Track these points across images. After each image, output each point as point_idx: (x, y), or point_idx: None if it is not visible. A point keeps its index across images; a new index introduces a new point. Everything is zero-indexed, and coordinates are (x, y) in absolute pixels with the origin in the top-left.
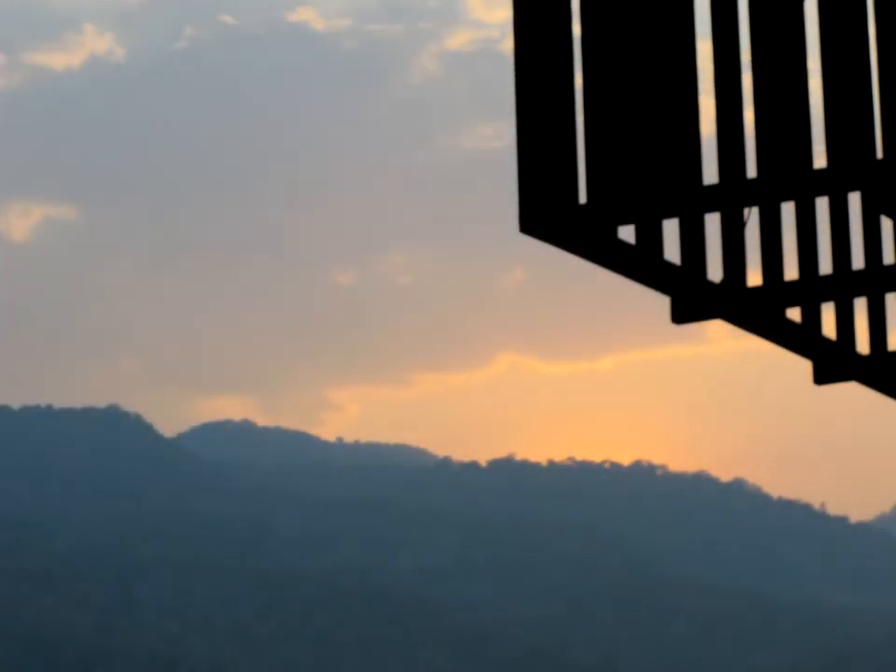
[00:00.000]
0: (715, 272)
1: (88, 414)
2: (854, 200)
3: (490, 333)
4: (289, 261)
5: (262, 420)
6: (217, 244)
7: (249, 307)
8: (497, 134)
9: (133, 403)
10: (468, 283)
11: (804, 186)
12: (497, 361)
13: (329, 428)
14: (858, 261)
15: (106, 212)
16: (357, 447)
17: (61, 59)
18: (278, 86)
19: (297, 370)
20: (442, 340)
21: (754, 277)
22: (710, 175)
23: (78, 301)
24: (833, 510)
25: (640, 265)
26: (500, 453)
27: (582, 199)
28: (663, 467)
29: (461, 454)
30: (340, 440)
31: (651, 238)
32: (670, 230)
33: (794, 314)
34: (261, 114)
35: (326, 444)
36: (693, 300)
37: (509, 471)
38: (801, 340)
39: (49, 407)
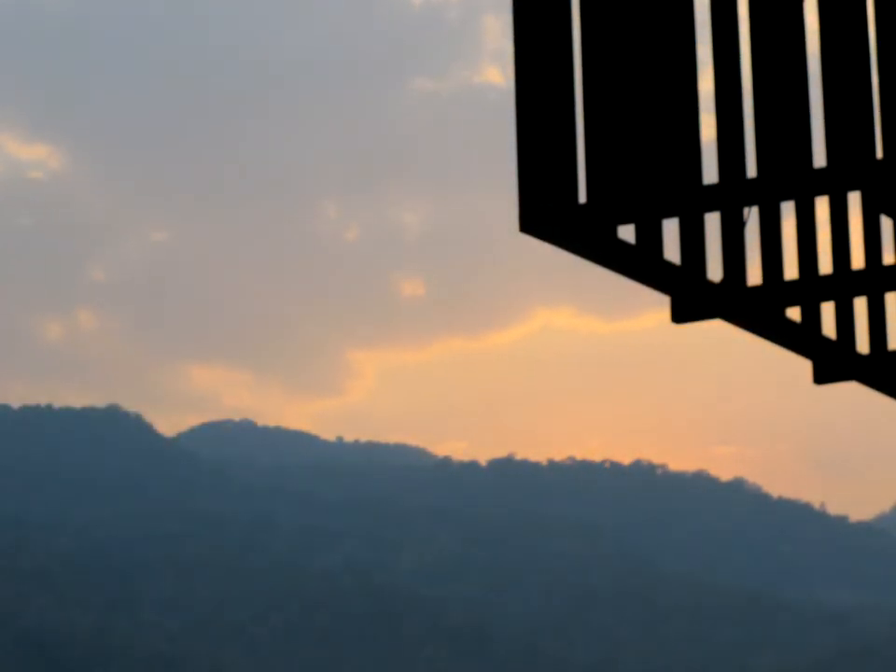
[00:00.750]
0: (715, 271)
1: (88, 414)
2: (854, 199)
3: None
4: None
5: (262, 419)
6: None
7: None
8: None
9: (133, 403)
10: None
11: (803, 185)
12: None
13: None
14: (858, 261)
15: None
16: (356, 447)
17: None
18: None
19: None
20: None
21: (754, 277)
22: (710, 174)
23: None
24: (833, 510)
25: (640, 265)
26: (500, 453)
27: (582, 199)
28: (663, 466)
29: (461, 454)
30: (340, 439)
31: (651, 238)
32: (670, 229)
33: (794, 313)
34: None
35: (326, 444)
36: (692, 299)
37: (509, 471)
38: (801, 339)
39: (49, 407)
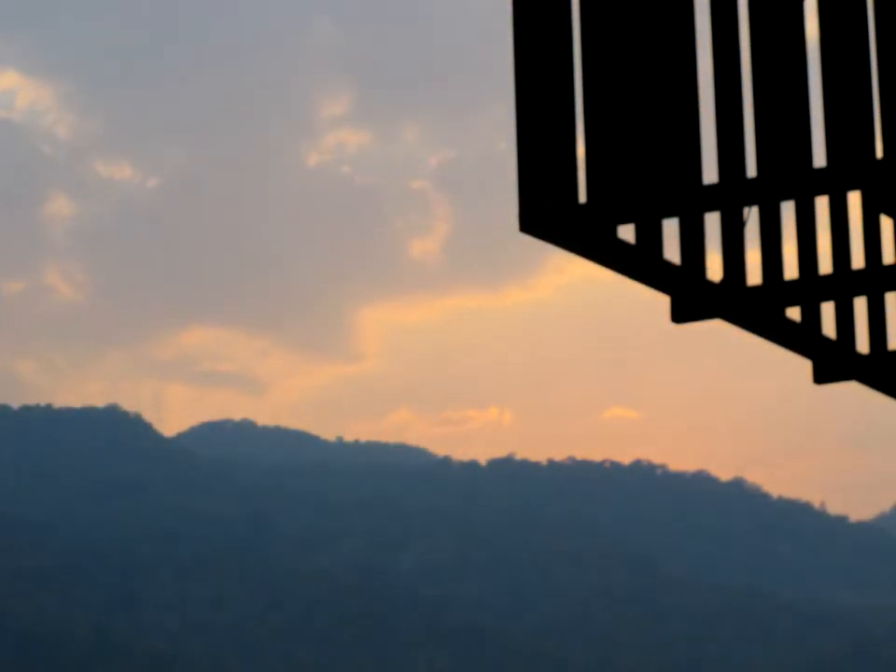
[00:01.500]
0: (715, 271)
1: (88, 414)
2: (854, 199)
3: None
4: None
5: (262, 419)
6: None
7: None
8: None
9: (132, 403)
10: None
11: (803, 185)
12: None
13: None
14: (858, 261)
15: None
16: (356, 447)
17: None
18: None
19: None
20: None
21: (754, 277)
22: (710, 174)
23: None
24: (833, 509)
25: (640, 264)
26: (500, 452)
27: (582, 198)
28: (663, 466)
29: (461, 453)
30: (340, 439)
31: (651, 237)
32: (670, 229)
33: (794, 313)
34: None
35: (326, 444)
36: (692, 299)
37: (509, 471)
38: (801, 339)
39: (49, 407)
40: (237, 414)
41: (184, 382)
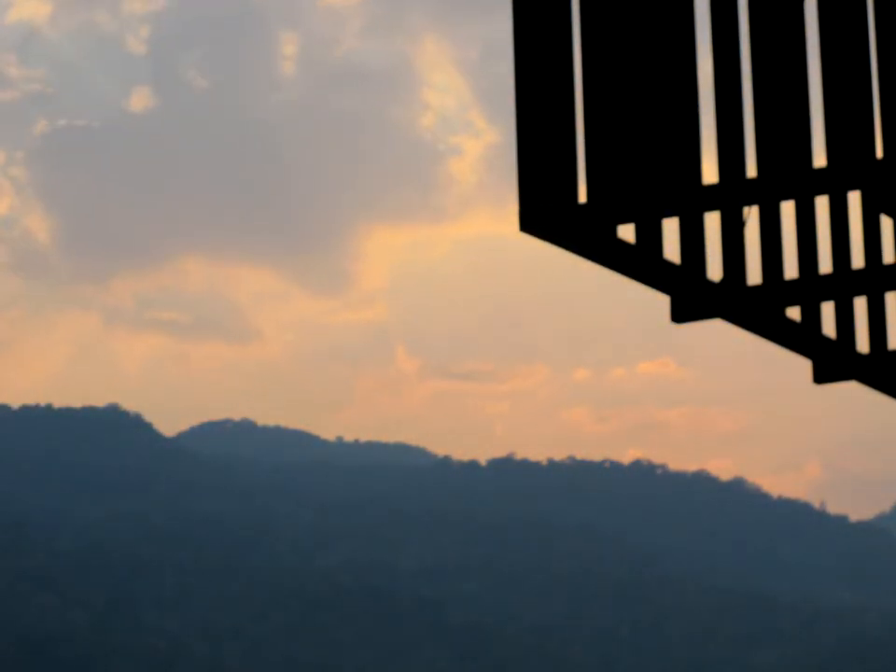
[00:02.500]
0: (715, 271)
1: (88, 414)
2: (854, 199)
3: None
4: None
5: (262, 419)
6: None
7: None
8: None
9: (132, 403)
10: None
11: (803, 185)
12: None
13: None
14: (858, 260)
15: None
16: (356, 446)
17: None
18: None
19: None
20: None
21: (754, 277)
22: (710, 174)
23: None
24: (833, 509)
25: (640, 264)
26: (500, 452)
27: (582, 198)
28: (663, 466)
29: (461, 453)
30: (340, 439)
31: (651, 237)
32: (670, 229)
33: (794, 313)
34: None
35: (326, 444)
36: (692, 299)
37: (509, 471)
38: (801, 339)
39: (49, 407)
40: (237, 414)
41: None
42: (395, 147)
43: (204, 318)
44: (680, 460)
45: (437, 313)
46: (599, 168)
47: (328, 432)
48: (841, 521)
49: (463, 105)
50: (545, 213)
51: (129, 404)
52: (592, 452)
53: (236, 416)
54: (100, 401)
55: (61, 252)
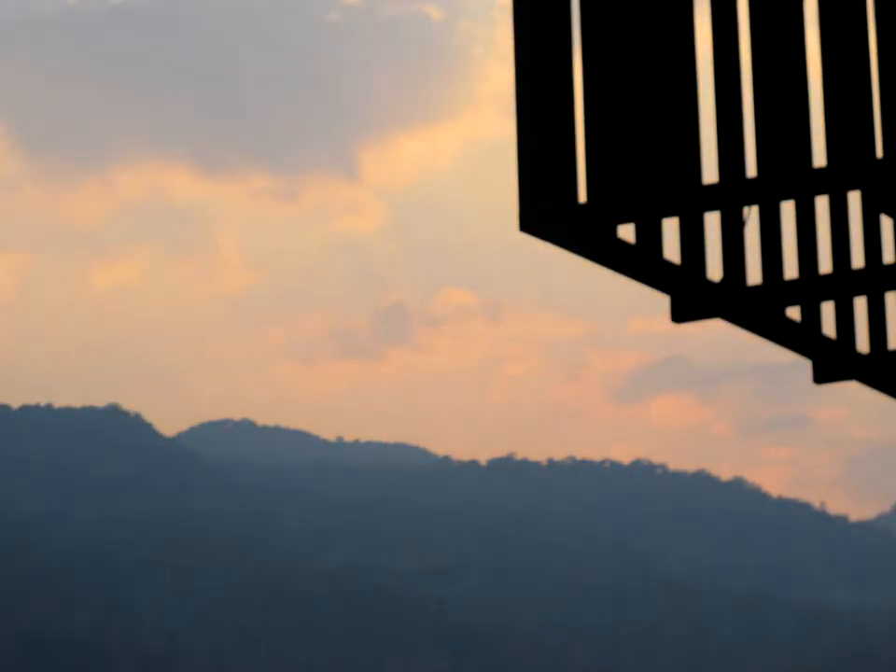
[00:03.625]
0: (715, 271)
1: (88, 414)
2: (854, 199)
3: None
4: None
5: (262, 419)
6: None
7: None
8: None
9: (132, 403)
10: None
11: (803, 185)
12: None
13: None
14: (858, 260)
15: None
16: (356, 446)
17: None
18: None
19: None
20: None
21: (754, 276)
22: (710, 173)
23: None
24: (833, 509)
25: (640, 264)
26: (500, 452)
27: (582, 198)
28: (663, 466)
29: (461, 453)
30: (340, 438)
31: (651, 237)
32: (670, 229)
33: (794, 313)
34: None
35: (326, 443)
36: (692, 299)
37: (509, 471)
38: (801, 339)
39: (49, 407)
40: (237, 414)
41: None
42: None
43: None
44: (680, 460)
45: None
46: (599, 168)
47: (328, 432)
48: (841, 521)
49: None
50: (545, 213)
51: (129, 404)
52: (592, 452)
53: (236, 416)
54: (100, 401)
55: None
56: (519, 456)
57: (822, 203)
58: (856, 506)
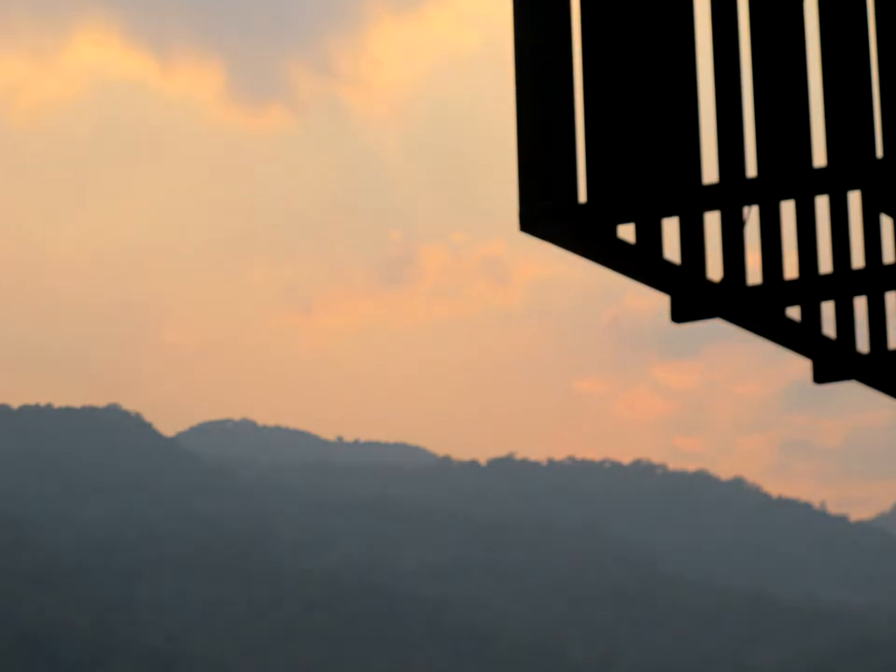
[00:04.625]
0: (715, 270)
1: (88, 414)
2: (854, 198)
3: None
4: None
5: (262, 419)
6: None
7: None
8: None
9: (132, 402)
10: None
11: (803, 185)
12: None
13: None
14: (858, 260)
15: None
16: (356, 446)
17: None
18: None
19: None
20: None
21: (754, 276)
22: (710, 173)
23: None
24: (833, 509)
25: (640, 264)
26: (500, 452)
27: (582, 198)
28: (663, 466)
29: (461, 453)
30: (340, 439)
31: (651, 237)
32: (670, 228)
33: (794, 312)
34: None
35: (326, 443)
36: (692, 299)
37: (509, 471)
38: (801, 339)
39: (49, 407)
40: (237, 414)
41: None
42: None
43: None
44: (681, 460)
45: None
46: (599, 168)
47: (328, 432)
48: (841, 521)
49: None
50: (545, 213)
51: (129, 404)
52: (592, 452)
53: (236, 416)
54: (100, 401)
55: None
56: (519, 456)
57: (822, 203)
58: (856, 506)
